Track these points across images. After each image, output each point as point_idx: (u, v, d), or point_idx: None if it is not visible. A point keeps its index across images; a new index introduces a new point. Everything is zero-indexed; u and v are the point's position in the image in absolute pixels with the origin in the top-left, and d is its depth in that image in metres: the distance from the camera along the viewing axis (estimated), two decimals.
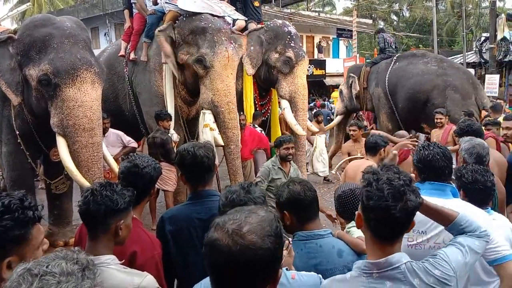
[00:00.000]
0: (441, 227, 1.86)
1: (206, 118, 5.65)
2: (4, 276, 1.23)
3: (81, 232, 2.15)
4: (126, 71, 6.66)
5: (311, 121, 8.47)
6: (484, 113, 7.76)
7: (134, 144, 6.23)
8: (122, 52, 6.68)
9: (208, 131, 5.65)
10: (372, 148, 3.82)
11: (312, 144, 7.82)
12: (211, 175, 2.25)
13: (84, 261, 1.06)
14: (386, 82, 8.56)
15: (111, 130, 6.07)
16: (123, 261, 1.75)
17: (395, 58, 8.86)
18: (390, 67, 8.67)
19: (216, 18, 5.73)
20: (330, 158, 8.89)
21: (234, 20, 6.49)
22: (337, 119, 9.73)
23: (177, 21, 5.76)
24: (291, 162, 4.51)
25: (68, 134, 4.35)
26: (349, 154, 5.81)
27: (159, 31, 5.73)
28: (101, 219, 1.74)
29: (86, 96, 4.32)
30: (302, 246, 1.85)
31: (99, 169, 4.48)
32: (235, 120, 5.67)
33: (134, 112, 6.71)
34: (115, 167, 4.90)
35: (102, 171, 4.58)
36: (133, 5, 6.68)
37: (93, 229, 1.77)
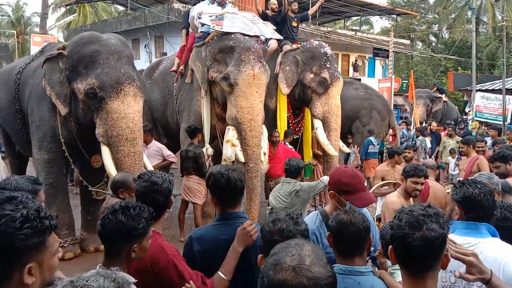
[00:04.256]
0: None
1: (229, 134, 5.78)
2: (26, 281, 1.31)
3: None
4: (175, 86, 6.94)
5: None
6: (392, 131, 10.55)
7: (173, 158, 6.42)
8: (174, 68, 7.00)
9: (229, 146, 5.77)
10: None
11: None
12: (241, 198, 2.29)
13: (121, 280, 1.17)
14: None
15: (153, 142, 6.29)
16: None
17: None
18: None
19: (247, 37, 5.89)
20: None
21: (267, 40, 6.61)
22: None
23: (210, 41, 5.98)
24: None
25: (112, 144, 4.65)
26: (383, 179, 5.77)
27: (194, 47, 5.98)
28: (113, 243, 1.82)
29: (129, 109, 4.62)
30: (340, 280, 1.76)
31: None
32: (256, 138, 5.72)
33: (179, 127, 6.93)
34: None
35: None
36: (189, 25, 6.95)
37: (107, 250, 1.86)
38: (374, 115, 9.92)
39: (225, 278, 2.07)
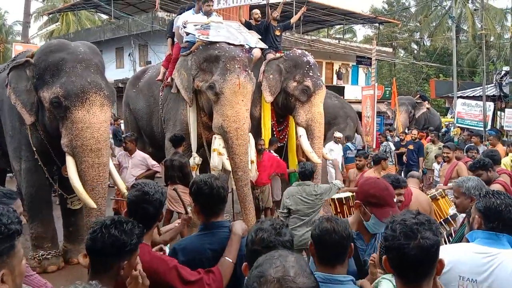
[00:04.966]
0: (494, 277, 1.86)
1: (215, 143, 5.80)
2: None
3: None
4: (161, 95, 6.91)
5: None
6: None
7: (157, 168, 6.37)
8: (159, 77, 6.95)
9: (216, 155, 5.77)
10: None
11: None
12: (224, 206, 2.29)
13: None
14: None
15: (137, 151, 6.25)
16: None
17: None
18: None
19: (232, 46, 5.92)
20: None
21: (251, 49, 6.66)
22: None
23: (195, 50, 5.99)
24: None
25: (77, 154, 4.53)
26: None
27: (180, 57, 5.99)
28: (105, 257, 1.74)
29: (94, 118, 4.50)
30: None
31: (103, 189, 4.62)
32: (243, 146, 5.73)
33: (164, 135, 6.92)
34: (122, 186, 5.06)
35: (106, 190, 4.70)
36: (175, 34, 6.95)
37: (95, 265, 1.76)
38: (349, 122, 10.60)
39: (231, 260, 2.09)
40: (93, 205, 4.47)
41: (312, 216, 4.69)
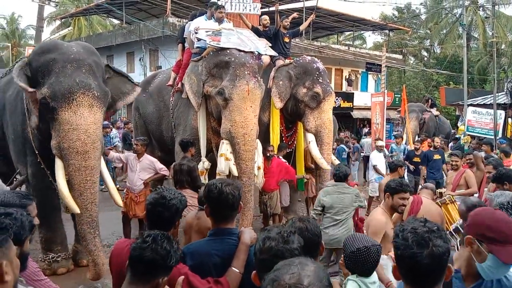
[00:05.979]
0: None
1: (223, 148, 5.83)
2: (6, 278, 1.36)
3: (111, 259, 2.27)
4: (171, 100, 6.97)
5: None
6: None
7: (165, 172, 6.40)
8: (170, 82, 7.03)
9: (223, 160, 5.81)
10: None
11: None
12: (234, 214, 2.28)
13: None
14: None
15: (145, 155, 6.29)
16: None
17: None
18: None
19: (242, 53, 5.97)
20: None
21: (261, 55, 6.71)
22: None
23: (206, 56, 6.06)
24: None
25: (64, 157, 4.43)
26: None
27: (191, 62, 6.05)
28: (153, 269, 1.71)
29: (81, 120, 4.38)
30: None
31: (93, 194, 4.48)
32: (250, 152, 5.77)
33: (174, 140, 6.96)
34: (115, 192, 5.00)
35: (96, 196, 4.55)
36: (186, 39, 7.02)
37: (138, 275, 1.75)
38: (336, 126, 10.75)
39: (238, 271, 2.10)
40: (76, 210, 4.36)
41: (346, 217, 4.84)
